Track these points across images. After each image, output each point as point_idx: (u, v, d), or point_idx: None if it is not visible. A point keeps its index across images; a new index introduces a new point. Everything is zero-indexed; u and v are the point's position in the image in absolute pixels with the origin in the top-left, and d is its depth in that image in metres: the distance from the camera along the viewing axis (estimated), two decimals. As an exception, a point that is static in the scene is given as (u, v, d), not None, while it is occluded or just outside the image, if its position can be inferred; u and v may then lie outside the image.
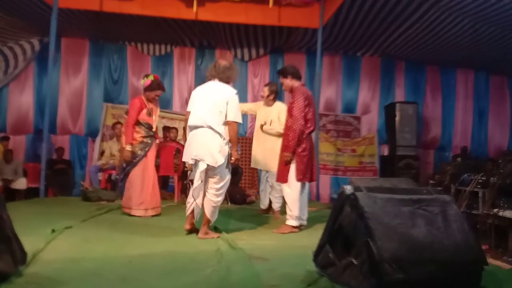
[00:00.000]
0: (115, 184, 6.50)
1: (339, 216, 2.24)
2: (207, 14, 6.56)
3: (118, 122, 7.09)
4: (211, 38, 8.20)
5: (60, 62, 8.11)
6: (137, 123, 4.65)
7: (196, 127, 3.48)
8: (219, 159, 3.41)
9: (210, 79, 3.67)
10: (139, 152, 4.60)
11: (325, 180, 8.32)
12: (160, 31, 7.65)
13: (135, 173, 4.59)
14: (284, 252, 3.07)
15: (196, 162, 3.47)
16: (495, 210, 3.41)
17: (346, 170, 8.58)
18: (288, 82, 4.11)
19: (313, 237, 2.69)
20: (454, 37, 6.89)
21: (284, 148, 3.98)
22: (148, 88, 4.71)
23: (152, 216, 4.57)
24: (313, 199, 7.05)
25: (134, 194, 4.55)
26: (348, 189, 2.20)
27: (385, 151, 8.63)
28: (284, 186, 4.02)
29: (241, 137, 7.83)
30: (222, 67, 3.63)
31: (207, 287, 2.14)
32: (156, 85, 4.73)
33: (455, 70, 8.92)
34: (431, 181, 5.03)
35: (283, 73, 4.15)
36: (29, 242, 2.52)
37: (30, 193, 6.91)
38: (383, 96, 8.74)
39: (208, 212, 3.51)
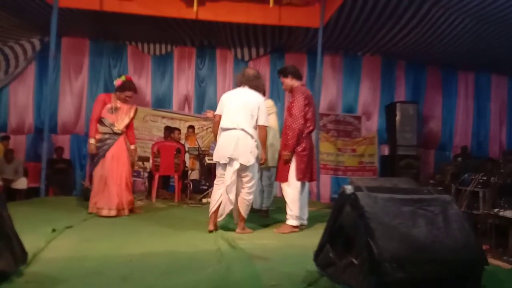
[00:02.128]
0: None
1: (339, 216, 2.24)
2: (208, 13, 6.56)
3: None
4: (211, 37, 8.21)
5: (60, 62, 8.12)
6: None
7: (229, 129, 3.68)
8: (251, 159, 3.65)
9: (239, 86, 3.88)
10: (98, 151, 4.54)
11: (325, 180, 8.33)
12: (160, 30, 7.66)
13: (95, 172, 4.60)
14: (284, 251, 3.07)
15: (230, 161, 3.62)
16: (496, 210, 3.40)
17: (346, 170, 8.59)
18: (288, 81, 4.11)
19: (314, 237, 2.69)
20: (455, 36, 6.88)
21: (283, 147, 3.98)
22: (118, 89, 4.66)
23: (115, 216, 4.40)
24: (314, 199, 7.05)
25: (95, 193, 4.54)
26: (349, 189, 2.20)
27: (386, 150, 8.63)
28: (284, 186, 4.01)
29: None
30: (251, 76, 3.87)
31: (208, 286, 2.14)
32: (127, 86, 4.65)
33: (455, 69, 8.92)
34: (431, 181, 5.03)
35: (284, 72, 4.16)
36: (30, 241, 2.53)
37: (31, 193, 6.92)
38: (383, 95, 8.75)
39: (243, 210, 3.74)
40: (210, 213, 3.73)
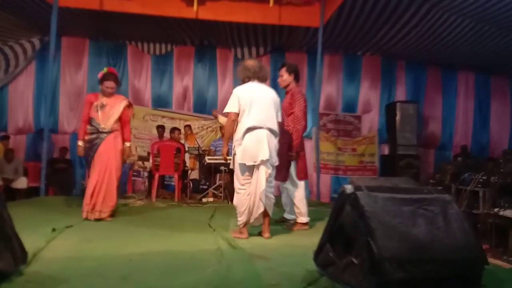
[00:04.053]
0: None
1: (339, 215, 2.24)
2: (208, 13, 6.55)
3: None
4: (211, 37, 8.20)
5: (60, 61, 8.12)
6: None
7: (255, 128, 3.43)
8: (276, 158, 3.56)
9: (247, 81, 3.60)
10: (88, 153, 4.33)
11: (325, 179, 8.32)
12: (160, 30, 7.65)
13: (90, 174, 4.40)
14: (284, 251, 3.07)
15: (265, 163, 3.40)
16: (496, 209, 3.40)
17: (346, 170, 8.58)
18: (289, 79, 4.10)
19: (314, 237, 2.69)
20: (455, 36, 6.88)
21: (288, 148, 3.98)
22: (99, 81, 4.40)
23: (96, 219, 4.17)
24: (314, 198, 7.05)
25: (85, 195, 4.28)
26: (349, 188, 2.20)
27: (386, 150, 8.62)
28: (289, 186, 4.09)
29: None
30: (257, 68, 3.60)
31: (208, 286, 2.14)
32: (106, 77, 4.35)
33: (456, 69, 8.91)
34: (431, 181, 5.02)
35: (290, 68, 4.11)
36: (30, 241, 2.52)
37: (31, 192, 6.92)
38: (383, 95, 8.74)
39: (270, 211, 3.55)
40: (244, 224, 3.46)
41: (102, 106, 4.34)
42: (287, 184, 4.08)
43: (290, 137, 3.97)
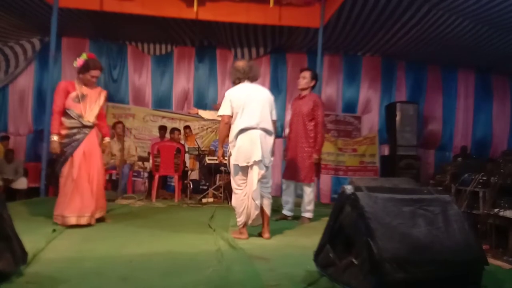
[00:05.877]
0: (116, 183, 6.52)
1: (339, 216, 2.24)
2: (208, 13, 6.56)
3: (119, 122, 7.09)
4: (211, 37, 8.20)
5: (60, 62, 8.12)
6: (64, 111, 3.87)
7: (248, 129, 3.43)
8: (271, 158, 3.58)
9: (238, 82, 3.61)
10: (65, 149, 3.82)
11: (326, 180, 8.31)
12: (160, 30, 7.65)
13: (63, 174, 3.84)
14: (284, 251, 3.07)
15: (258, 164, 3.39)
16: (496, 210, 3.40)
17: (347, 170, 8.57)
18: (311, 83, 4.49)
19: (314, 237, 2.70)
20: (455, 36, 6.87)
21: (316, 151, 4.40)
22: (82, 69, 3.89)
23: (87, 224, 3.77)
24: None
25: (62, 199, 3.78)
26: (349, 189, 2.20)
27: (386, 151, 8.61)
28: (307, 186, 4.45)
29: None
30: (247, 68, 3.59)
31: (208, 287, 2.14)
32: (91, 65, 3.88)
33: (456, 69, 8.90)
34: (431, 181, 5.04)
35: (314, 74, 4.52)
36: (30, 241, 2.53)
37: (31, 193, 6.92)
38: (383, 95, 8.73)
39: (268, 211, 3.56)
40: (242, 225, 3.47)
41: (83, 97, 3.90)
42: (307, 185, 4.43)
43: (313, 141, 4.37)
